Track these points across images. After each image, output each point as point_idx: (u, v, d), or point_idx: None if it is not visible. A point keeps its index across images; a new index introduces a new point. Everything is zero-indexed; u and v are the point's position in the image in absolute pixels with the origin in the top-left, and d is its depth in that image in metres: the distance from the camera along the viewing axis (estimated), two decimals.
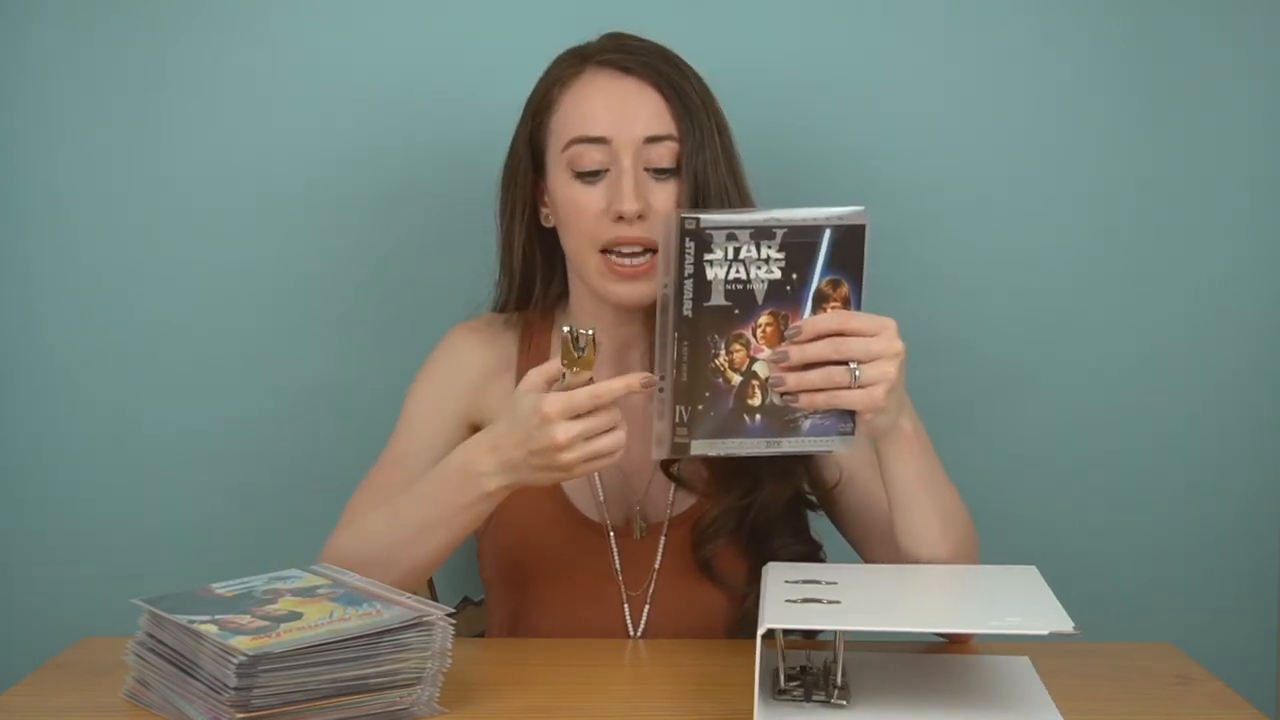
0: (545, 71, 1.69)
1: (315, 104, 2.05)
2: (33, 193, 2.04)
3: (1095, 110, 2.07)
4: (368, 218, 2.06)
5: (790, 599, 1.38)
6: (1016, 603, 1.41)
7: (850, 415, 1.44)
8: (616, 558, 1.68)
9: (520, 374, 1.69)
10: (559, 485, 1.68)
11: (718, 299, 1.42)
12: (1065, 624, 1.30)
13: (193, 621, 1.31)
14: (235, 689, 1.25)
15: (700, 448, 1.43)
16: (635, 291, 1.62)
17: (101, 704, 1.38)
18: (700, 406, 1.42)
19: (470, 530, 1.54)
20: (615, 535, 1.68)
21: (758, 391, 1.43)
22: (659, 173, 1.62)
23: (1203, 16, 2.06)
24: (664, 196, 1.62)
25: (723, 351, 1.42)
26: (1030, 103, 2.08)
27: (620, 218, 1.59)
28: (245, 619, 1.33)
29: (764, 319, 1.43)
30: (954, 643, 1.57)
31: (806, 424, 1.44)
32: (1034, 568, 1.49)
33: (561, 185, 1.64)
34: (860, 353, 1.42)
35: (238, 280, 2.06)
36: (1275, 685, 2.12)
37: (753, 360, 1.43)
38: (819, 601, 1.38)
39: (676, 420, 1.43)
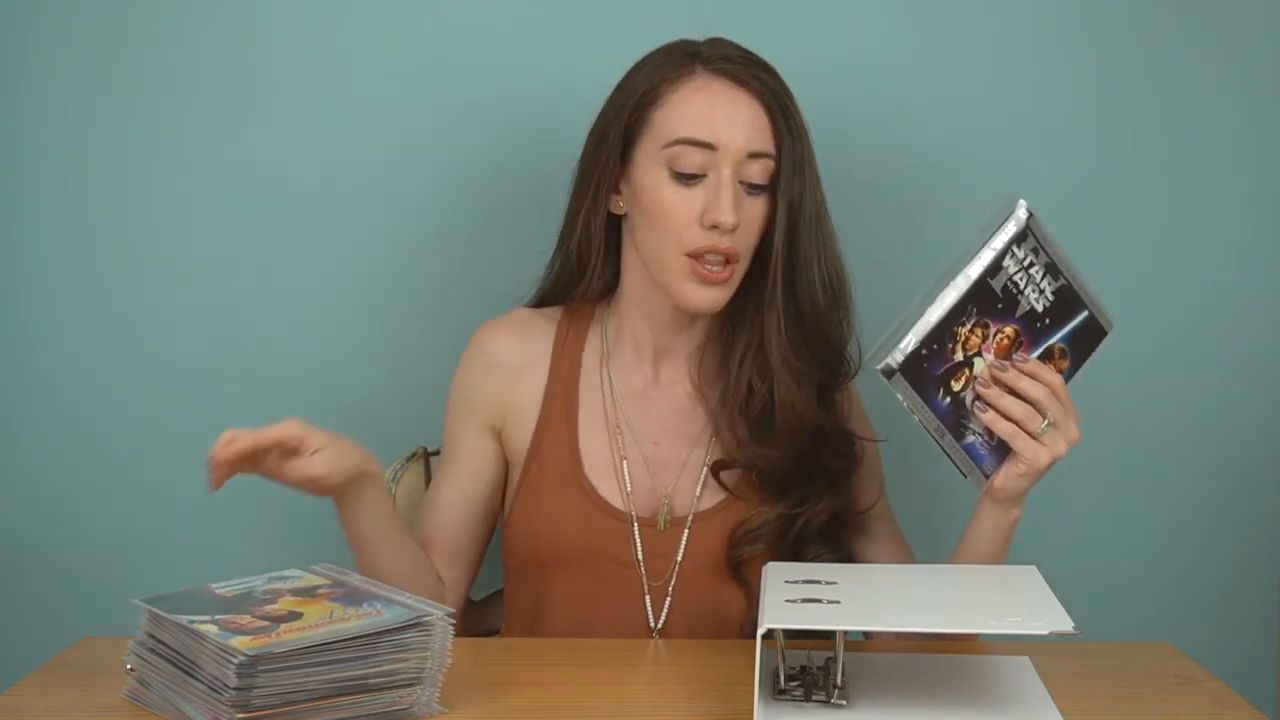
0: (649, 64, 1.68)
1: (324, 102, 2.04)
2: (35, 188, 2.04)
3: (1094, 110, 2.07)
4: (374, 216, 2.06)
5: (790, 599, 1.38)
6: (1016, 603, 1.41)
7: (996, 467, 1.52)
8: (639, 547, 1.68)
9: (554, 368, 1.73)
10: (584, 471, 1.70)
11: (997, 284, 1.49)
12: (1065, 624, 1.30)
13: (193, 621, 1.31)
14: (235, 689, 1.25)
15: (899, 382, 1.47)
16: (709, 297, 1.64)
17: (101, 704, 1.38)
18: (924, 351, 1.47)
19: (350, 524, 1.61)
20: (639, 525, 1.69)
21: (963, 380, 1.50)
22: (752, 188, 1.64)
23: (1203, 16, 2.06)
24: (753, 213, 1.64)
25: (968, 325, 1.49)
26: (1029, 103, 2.08)
27: (715, 226, 1.61)
28: (245, 619, 1.33)
29: (1009, 330, 1.51)
30: (954, 642, 1.57)
31: (971, 439, 1.52)
32: (1034, 568, 1.49)
33: (655, 182, 1.64)
34: (1058, 416, 1.50)
35: (240, 279, 2.06)
36: (1275, 685, 2.12)
37: (979, 353, 1.50)
38: (819, 601, 1.38)
39: (902, 339, 1.47)
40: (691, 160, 1.62)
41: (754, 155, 1.63)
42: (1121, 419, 2.10)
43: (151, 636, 1.35)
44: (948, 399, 1.50)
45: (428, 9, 2.04)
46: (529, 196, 2.00)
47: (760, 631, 1.30)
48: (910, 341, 1.47)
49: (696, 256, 1.62)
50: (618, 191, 1.70)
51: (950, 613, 1.45)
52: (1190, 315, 2.10)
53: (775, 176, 1.65)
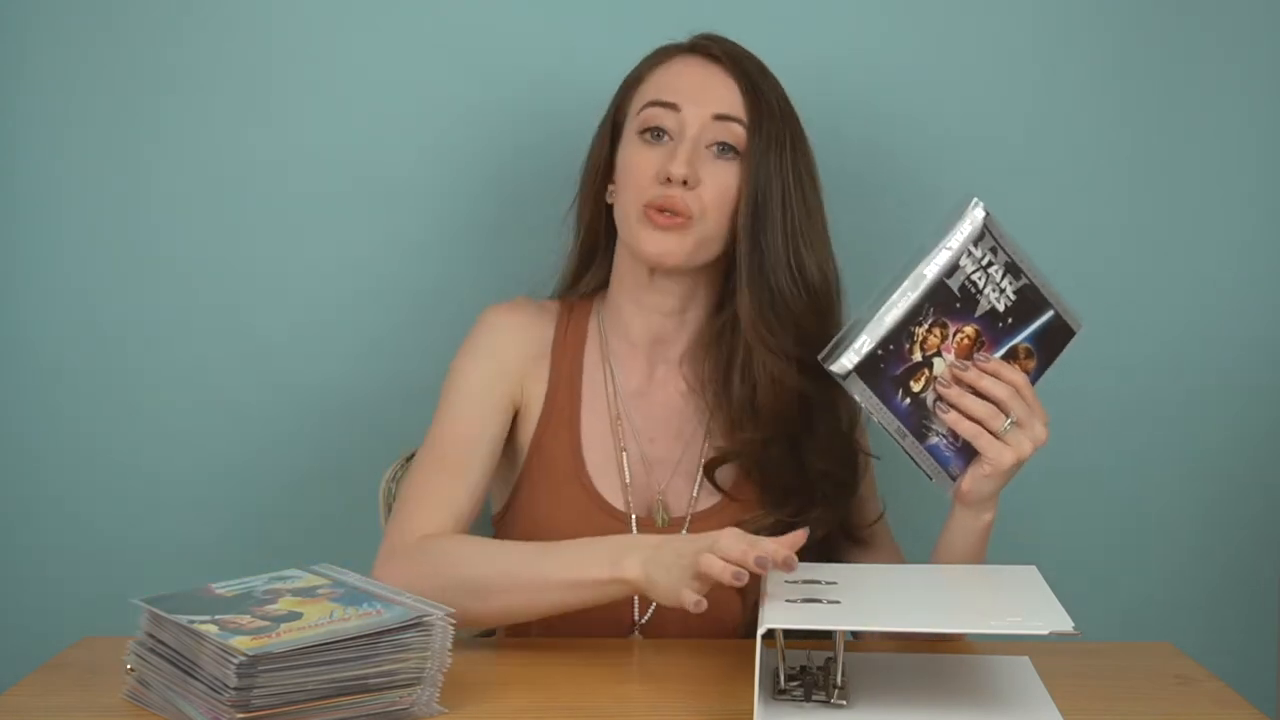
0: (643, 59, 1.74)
1: (324, 102, 2.04)
2: (35, 188, 2.04)
3: (1094, 110, 2.07)
4: (374, 216, 2.06)
5: (790, 599, 1.38)
6: (1016, 603, 1.41)
7: (962, 469, 1.52)
8: None
9: (555, 363, 1.73)
10: (585, 469, 1.70)
11: (954, 283, 1.49)
12: (1065, 624, 1.30)
13: (193, 621, 1.31)
14: (235, 689, 1.25)
15: (855, 383, 1.47)
16: (664, 244, 1.64)
17: (101, 704, 1.38)
18: (880, 351, 1.47)
19: (567, 603, 1.52)
20: (638, 522, 1.69)
21: (923, 380, 1.49)
22: (721, 149, 1.65)
23: (1203, 16, 2.06)
24: (719, 176, 1.64)
25: (925, 325, 1.48)
26: (1029, 103, 2.08)
27: (668, 180, 1.63)
28: (245, 619, 1.33)
29: (969, 329, 1.50)
30: (949, 643, 1.57)
31: (934, 440, 1.51)
32: (1034, 568, 1.49)
33: (629, 149, 1.68)
34: (1022, 415, 1.50)
35: (240, 279, 2.06)
36: (1275, 685, 2.12)
37: (938, 353, 1.49)
38: (819, 601, 1.38)
39: (856, 339, 1.47)
40: (657, 119, 1.66)
41: (720, 117, 1.65)
42: (1122, 420, 2.10)
43: (151, 636, 1.35)
44: (907, 400, 1.49)
45: (428, 9, 2.03)
46: (530, 197, 2.00)
47: (760, 631, 1.30)
48: (865, 342, 1.47)
49: (652, 209, 1.64)
50: (614, 181, 1.72)
51: (950, 613, 1.45)
52: (1190, 315, 2.10)
53: (749, 148, 1.65)
